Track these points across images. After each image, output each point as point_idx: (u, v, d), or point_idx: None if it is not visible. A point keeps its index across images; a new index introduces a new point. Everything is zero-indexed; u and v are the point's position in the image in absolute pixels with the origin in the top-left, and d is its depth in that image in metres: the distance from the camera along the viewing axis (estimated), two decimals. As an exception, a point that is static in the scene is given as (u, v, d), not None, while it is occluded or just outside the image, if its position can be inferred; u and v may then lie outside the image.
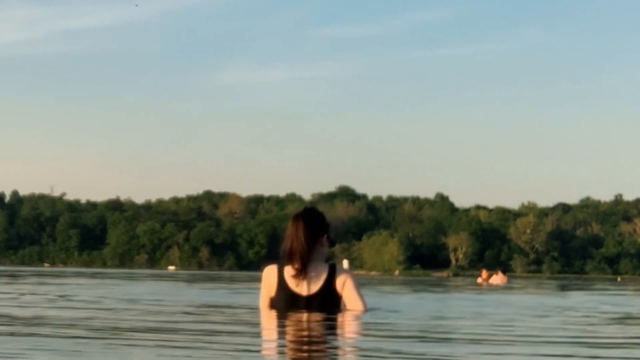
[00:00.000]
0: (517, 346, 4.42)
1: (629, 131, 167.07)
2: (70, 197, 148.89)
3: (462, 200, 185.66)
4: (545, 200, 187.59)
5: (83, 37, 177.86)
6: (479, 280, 26.97)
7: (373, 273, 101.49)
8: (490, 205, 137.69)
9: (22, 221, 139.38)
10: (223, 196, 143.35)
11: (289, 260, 6.03)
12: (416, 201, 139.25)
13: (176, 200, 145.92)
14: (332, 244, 6.24)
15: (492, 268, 28.38)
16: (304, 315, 5.82)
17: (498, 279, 25.54)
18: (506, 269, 27.98)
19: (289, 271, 6.03)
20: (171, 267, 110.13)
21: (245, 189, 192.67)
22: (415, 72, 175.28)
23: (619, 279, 71.25)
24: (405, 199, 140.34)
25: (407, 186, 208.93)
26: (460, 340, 4.65)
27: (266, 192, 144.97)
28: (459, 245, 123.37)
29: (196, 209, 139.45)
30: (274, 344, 4.48)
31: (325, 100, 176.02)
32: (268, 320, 5.84)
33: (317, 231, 6.10)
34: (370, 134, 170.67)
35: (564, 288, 20.24)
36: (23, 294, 9.38)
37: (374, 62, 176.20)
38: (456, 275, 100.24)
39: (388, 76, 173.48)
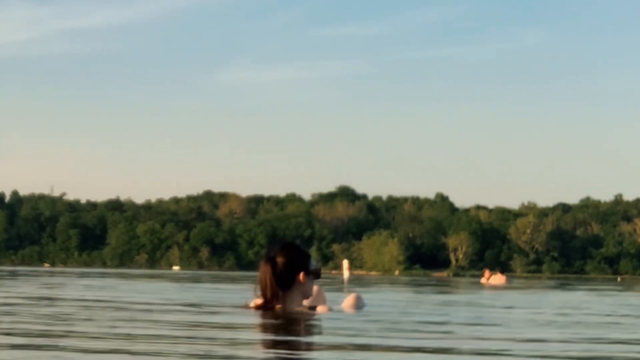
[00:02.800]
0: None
1: (629, 131, 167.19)
2: (70, 197, 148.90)
3: (462, 200, 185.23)
4: (545, 200, 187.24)
5: (83, 37, 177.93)
6: (483, 280, 28.34)
7: (373, 273, 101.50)
8: (490, 205, 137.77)
9: (22, 221, 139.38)
10: (223, 196, 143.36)
11: (262, 297, 6.12)
12: (416, 201, 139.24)
13: (176, 200, 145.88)
14: (316, 275, 6.14)
15: (492, 268, 29.67)
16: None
17: (497, 279, 26.97)
18: (506, 269, 29.10)
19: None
20: (175, 267, 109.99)
21: (245, 189, 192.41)
22: (415, 72, 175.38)
23: (619, 279, 71.18)
24: (405, 199, 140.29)
25: (407, 186, 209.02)
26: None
27: (266, 192, 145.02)
28: (459, 245, 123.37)
29: (196, 209, 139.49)
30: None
31: (325, 100, 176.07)
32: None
33: (290, 273, 6.04)
34: (370, 134, 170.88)
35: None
36: None
37: (374, 62, 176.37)
38: (456, 275, 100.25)
39: (388, 76, 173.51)
